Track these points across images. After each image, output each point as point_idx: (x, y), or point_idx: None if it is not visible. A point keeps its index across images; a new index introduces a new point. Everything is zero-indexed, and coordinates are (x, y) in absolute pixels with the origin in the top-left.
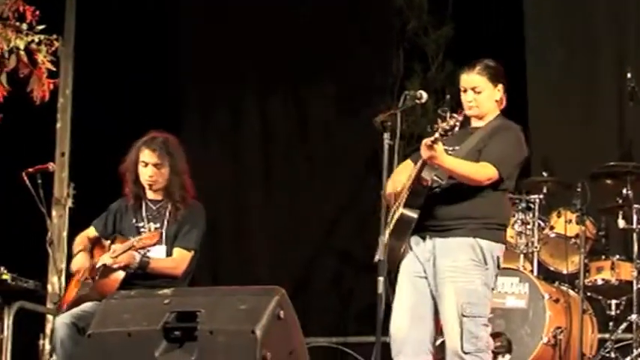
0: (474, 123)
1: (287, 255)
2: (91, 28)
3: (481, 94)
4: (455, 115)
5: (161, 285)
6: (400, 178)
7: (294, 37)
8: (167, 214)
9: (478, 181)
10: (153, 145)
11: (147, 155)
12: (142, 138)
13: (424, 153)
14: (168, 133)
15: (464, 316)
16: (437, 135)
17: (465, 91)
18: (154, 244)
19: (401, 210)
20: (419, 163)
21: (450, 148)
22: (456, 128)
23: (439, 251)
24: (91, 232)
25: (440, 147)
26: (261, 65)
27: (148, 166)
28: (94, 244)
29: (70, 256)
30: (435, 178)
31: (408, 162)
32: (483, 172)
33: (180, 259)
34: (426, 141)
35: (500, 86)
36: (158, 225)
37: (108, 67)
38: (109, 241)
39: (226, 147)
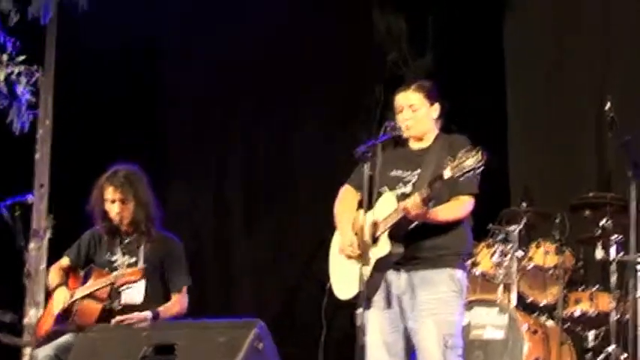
0: (414, 144)
1: (269, 285)
2: (71, 59)
3: (418, 112)
4: (475, 152)
5: None
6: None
7: (276, 68)
8: (141, 247)
9: (463, 219)
10: (115, 182)
11: (111, 192)
12: (105, 174)
13: (410, 213)
14: (129, 164)
15: (446, 347)
16: (426, 193)
17: (402, 110)
18: (136, 281)
19: (389, 249)
20: (394, 220)
21: (407, 174)
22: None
23: (418, 283)
24: (64, 262)
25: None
26: (242, 95)
27: (115, 202)
28: (69, 274)
29: (47, 289)
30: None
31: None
32: (467, 208)
33: (182, 298)
34: (416, 202)
35: (436, 105)
36: (134, 259)
37: (89, 99)
38: (83, 272)
39: (209, 179)
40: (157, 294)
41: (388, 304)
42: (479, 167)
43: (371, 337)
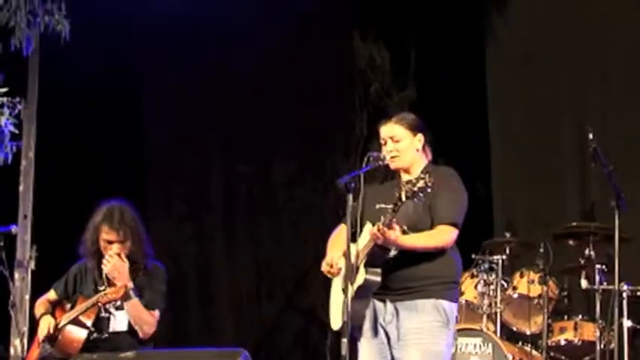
0: (404, 176)
1: (251, 315)
2: (54, 90)
3: (400, 143)
4: (423, 176)
5: (123, 347)
6: (337, 241)
7: (257, 97)
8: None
9: (443, 248)
10: (114, 224)
11: (110, 234)
12: (98, 213)
13: (378, 239)
14: (120, 201)
15: None
16: (389, 218)
17: (385, 143)
18: (120, 299)
19: (364, 276)
20: (367, 245)
21: (390, 206)
22: (427, 188)
23: (403, 314)
24: (52, 295)
25: (397, 230)
26: (225, 125)
27: (113, 244)
28: (55, 306)
29: (32, 319)
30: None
31: (343, 227)
32: (445, 238)
33: (153, 318)
34: (378, 227)
35: (419, 136)
36: (122, 283)
37: (71, 130)
38: (69, 304)
39: (189, 207)
40: None
41: (375, 333)
42: (428, 188)
43: None
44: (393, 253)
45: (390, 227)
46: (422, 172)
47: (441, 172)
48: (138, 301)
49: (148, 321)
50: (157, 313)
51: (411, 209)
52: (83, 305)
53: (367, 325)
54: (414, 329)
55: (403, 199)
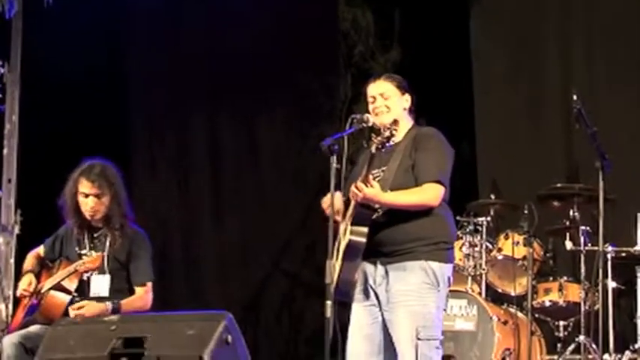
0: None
1: (236, 279)
2: (37, 53)
3: (389, 100)
4: (389, 127)
5: None
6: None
7: (242, 61)
8: (108, 242)
9: (429, 206)
10: (92, 176)
11: (86, 186)
12: (79, 168)
13: (357, 196)
14: (103, 160)
15: (419, 339)
16: (364, 173)
17: (374, 100)
18: (97, 268)
19: (348, 237)
20: (353, 206)
21: (376, 171)
22: (391, 138)
23: (392, 276)
24: (42, 250)
25: (376, 186)
26: (208, 91)
27: (89, 197)
28: (42, 266)
29: (17, 284)
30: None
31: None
32: (429, 195)
33: (145, 294)
34: (355, 184)
35: (407, 96)
36: (100, 253)
37: (55, 93)
38: (55, 267)
39: (175, 172)
40: (124, 289)
41: (367, 296)
42: (393, 136)
43: (351, 329)
44: (378, 212)
45: (366, 183)
46: (389, 124)
47: (422, 133)
48: (126, 303)
49: (142, 304)
50: (149, 285)
51: (394, 173)
52: (64, 271)
53: (358, 288)
54: (402, 291)
55: (373, 150)
